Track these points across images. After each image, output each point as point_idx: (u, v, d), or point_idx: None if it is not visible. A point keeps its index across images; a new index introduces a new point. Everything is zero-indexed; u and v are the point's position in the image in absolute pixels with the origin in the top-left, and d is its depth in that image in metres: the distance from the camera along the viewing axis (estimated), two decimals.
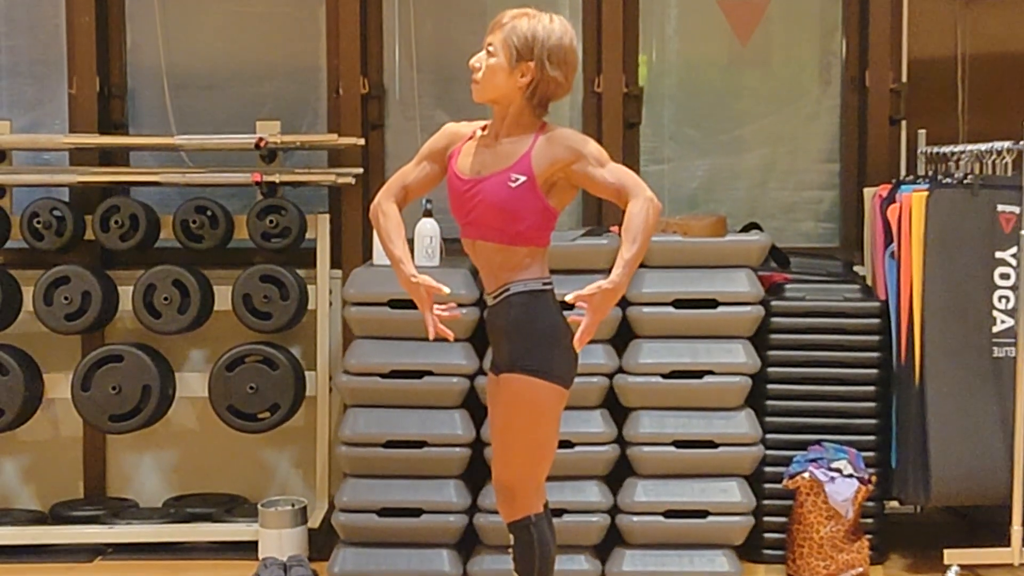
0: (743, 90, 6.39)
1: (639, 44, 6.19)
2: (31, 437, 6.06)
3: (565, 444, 5.08)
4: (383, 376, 5.29)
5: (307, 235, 5.86)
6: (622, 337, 5.38)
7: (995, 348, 5.29)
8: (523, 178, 3.88)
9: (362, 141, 5.94)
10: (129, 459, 6.17)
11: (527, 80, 3.89)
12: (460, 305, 5.13)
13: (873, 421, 5.47)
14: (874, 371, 5.47)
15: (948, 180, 5.42)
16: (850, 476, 5.26)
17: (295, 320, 5.79)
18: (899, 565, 5.51)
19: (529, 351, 3.93)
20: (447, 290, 4.05)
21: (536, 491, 4.07)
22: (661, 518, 5.26)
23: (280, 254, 5.85)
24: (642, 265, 5.36)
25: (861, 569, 5.27)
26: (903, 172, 6.08)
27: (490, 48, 3.92)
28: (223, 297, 5.77)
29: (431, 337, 4.07)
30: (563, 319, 3.96)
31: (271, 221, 5.76)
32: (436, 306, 4.09)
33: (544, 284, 3.98)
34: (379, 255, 5.45)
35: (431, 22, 6.22)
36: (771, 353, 5.45)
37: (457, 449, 5.24)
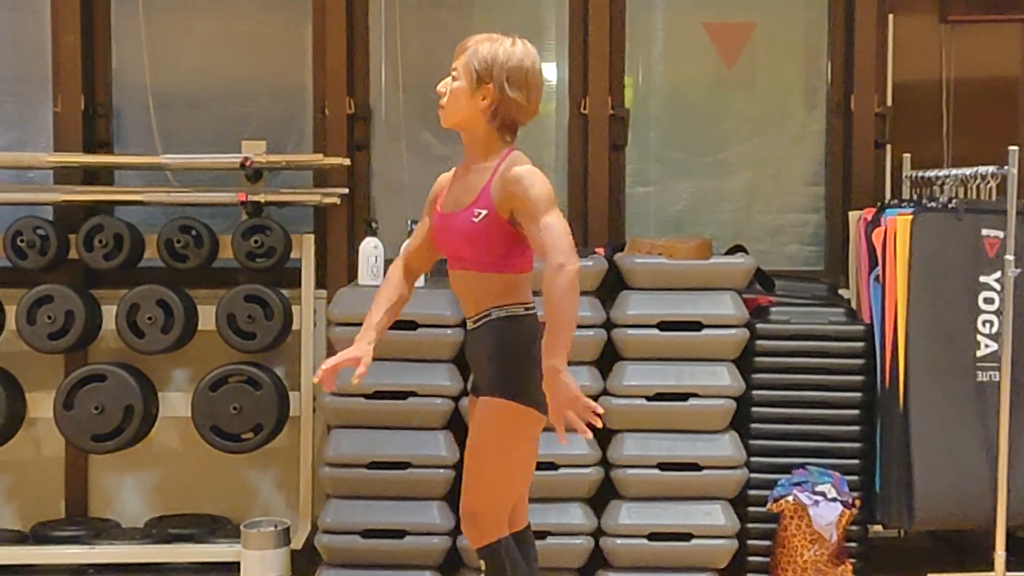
0: (728, 113, 6.40)
1: (625, 66, 6.20)
2: (13, 456, 6.03)
3: (549, 466, 5.09)
4: (367, 397, 5.28)
5: (292, 255, 5.84)
6: (607, 359, 5.38)
7: (979, 372, 5.30)
8: (484, 212, 3.88)
9: (348, 161, 5.93)
10: (111, 479, 6.15)
11: (487, 103, 3.90)
12: (444, 327, 5.16)
13: (857, 445, 5.47)
14: (858, 394, 5.47)
15: (933, 204, 5.44)
16: (834, 500, 5.26)
17: (279, 340, 5.77)
18: None
19: (507, 374, 3.92)
20: (357, 381, 4.01)
21: (504, 514, 4.02)
22: (645, 541, 5.25)
23: (265, 274, 5.83)
24: (627, 287, 5.39)
25: None
26: (888, 196, 6.09)
27: (454, 72, 3.95)
28: (207, 317, 5.76)
29: (317, 379, 4.05)
30: None
31: (256, 241, 5.75)
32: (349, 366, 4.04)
33: (526, 309, 3.96)
34: (364, 276, 5.46)
35: (417, 43, 6.22)
36: (756, 376, 5.45)
37: (441, 471, 5.23)
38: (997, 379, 5.25)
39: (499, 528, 3.99)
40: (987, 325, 5.31)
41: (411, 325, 5.25)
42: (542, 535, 5.00)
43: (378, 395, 5.28)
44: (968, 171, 5.44)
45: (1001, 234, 5.27)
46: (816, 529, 5.23)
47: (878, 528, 5.70)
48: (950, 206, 5.36)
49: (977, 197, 5.45)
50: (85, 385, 5.67)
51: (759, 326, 5.48)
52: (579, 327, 5.13)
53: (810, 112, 6.34)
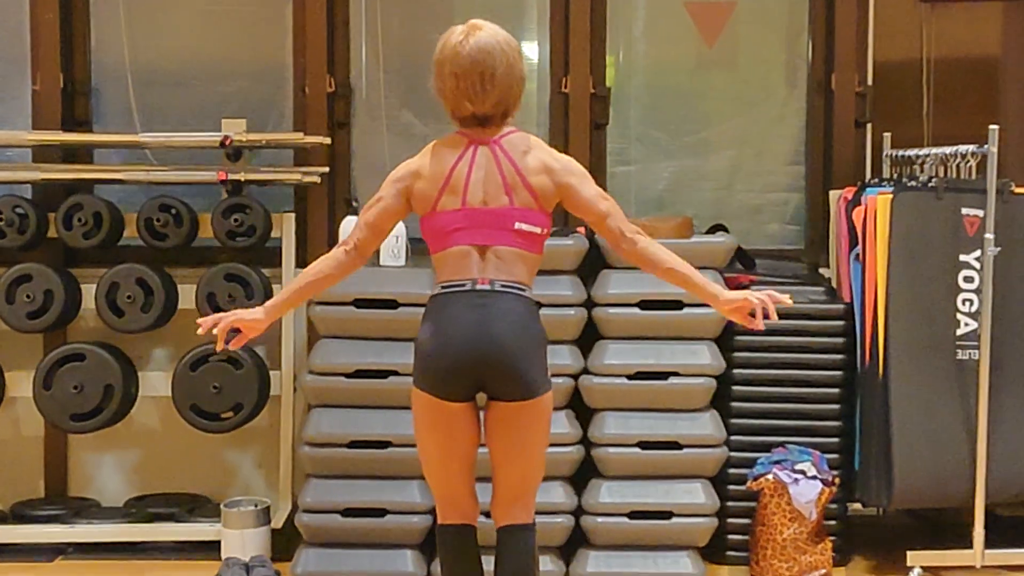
0: (710, 92, 6.40)
1: (607, 45, 6.19)
2: None
3: None
4: (347, 376, 5.28)
5: (272, 234, 5.83)
6: (587, 338, 5.38)
7: (959, 351, 5.31)
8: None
9: (328, 140, 5.92)
10: (91, 458, 6.14)
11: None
12: (423, 306, 5.11)
13: (837, 423, 5.49)
14: (838, 373, 5.48)
15: (913, 183, 5.44)
16: (814, 478, 5.27)
17: None
18: (862, 567, 5.52)
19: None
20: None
21: None
22: (625, 519, 5.26)
23: (245, 253, 5.82)
24: (608, 266, 5.39)
25: (824, 571, 5.28)
26: (868, 175, 6.09)
27: None
28: (187, 296, 5.74)
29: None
30: None
31: (236, 220, 5.74)
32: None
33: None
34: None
35: (398, 21, 6.21)
36: (736, 355, 5.46)
37: None
38: (977, 358, 5.26)
39: None
40: (967, 304, 5.31)
41: (391, 304, 5.25)
42: None
43: (358, 374, 5.27)
44: (948, 150, 5.44)
45: (981, 213, 5.27)
46: (796, 507, 5.24)
47: (857, 506, 5.72)
48: (930, 185, 5.36)
49: (957, 176, 5.45)
50: (64, 364, 5.66)
51: None
52: (559, 306, 5.19)
53: (791, 91, 6.34)
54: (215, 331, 4.04)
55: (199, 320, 4.07)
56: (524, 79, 3.99)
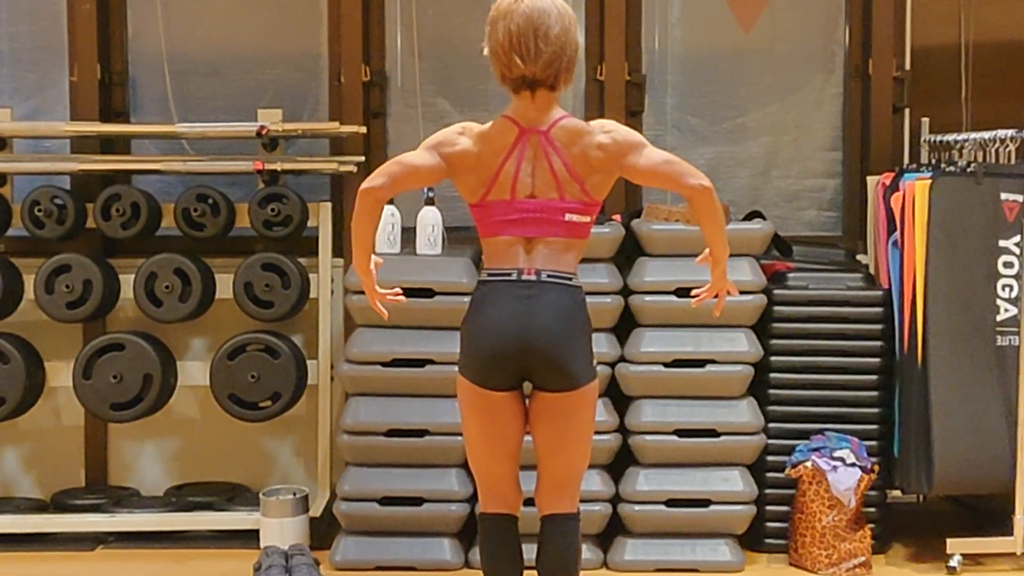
0: (746, 78, 6.36)
1: (642, 32, 6.17)
2: (33, 426, 6.06)
3: None
4: (384, 365, 5.29)
5: (309, 223, 5.84)
6: (624, 325, 5.37)
7: (998, 337, 5.28)
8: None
9: (364, 129, 5.92)
10: (130, 448, 6.17)
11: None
12: (460, 294, 5.11)
13: (876, 410, 5.46)
14: (877, 360, 5.46)
15: (951, 168, 5.41)
16: (852, 465, 5.25)
17: (297, 309, 5.78)
18: (901, 554, 5.50)
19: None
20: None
21: None
22: (663, 507, 5.26)
23: (282, 242, 5.84)
24: (644, 254, 5.38)
25: (863, 558, 5.26)
26: (906, 160, 6.06)
27: None
28: (224, 285, 5.76)
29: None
30: None
31: (272, 209, 5.75)
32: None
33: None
34: (381, 243, 5.43)
35: (433, 9, 6.20)
36: (773, 342, 5.44)
37: (459, 438, 5.16)
38: (1017, 343, 5.23)
39: None
40: (1006, 289, 5.28)
41: (428, 293, 5.25)
42: None
43: (396, 363, 5.28)
44: (987, 135, 5.41)
45: (1020, 198, 5.24)
46: (834, 495, 5.22)
47: (897, 493, 5.70)
48: (969, 170, 5.33)
49: (996, 161, 5.42)
50: (104, 354, 5.69)
51: (777, 292, 5.46)
52: (596, 294, 5.18)
53: (828, 77, 6.31)
54: (379, 308, 4.14)
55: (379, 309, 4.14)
56: (578, 48, 3.89)
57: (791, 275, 5.58)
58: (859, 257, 5.98)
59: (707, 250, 4.07)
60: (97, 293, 5.69)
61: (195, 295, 5.70)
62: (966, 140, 5.54)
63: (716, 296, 4.12)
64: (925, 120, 5.96)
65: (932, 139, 5.84)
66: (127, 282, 5.75)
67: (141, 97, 6.24)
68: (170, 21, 6.17)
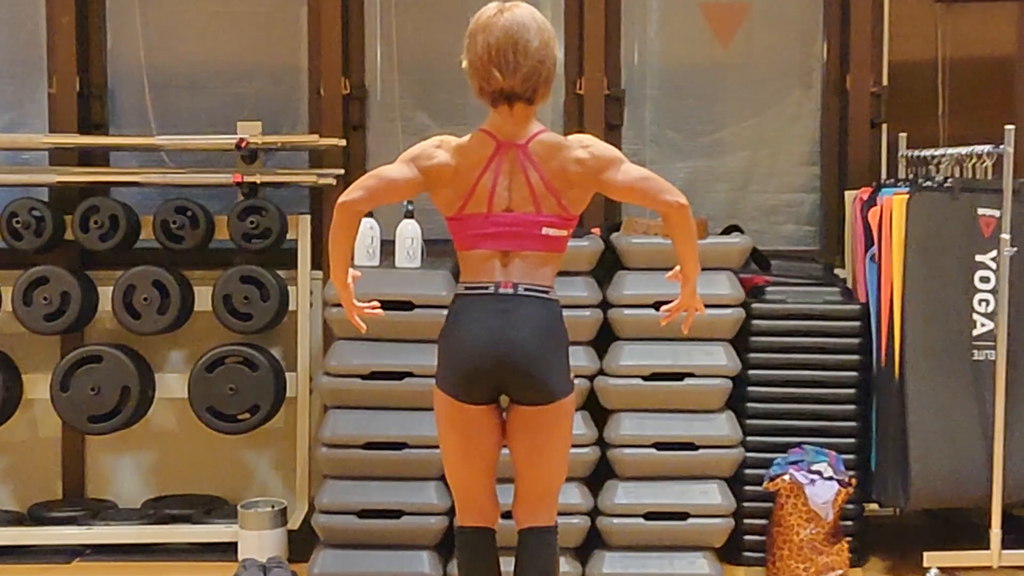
0: (724, 93, 6.38)
1: (621, 46, 6.19)
2: (10, 438, 6.04)
3: None
4: (363, 377, 5.29)
5: (288, 236, 5.84)
6: (603, 339, 5.38)
7: (975, 351, 5.30)
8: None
9: (343, 142, 5.92)
10: (108, 460, 6.15)
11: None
12: (439, 307, 5.08)
13: (853, 424, 5.48)
14: (854, 374, 5.47)
15: (928, 183, 5.43)
16: (830, 478, 5.26)
17: (276, 321, 5.78)
18: (879, 568, 5.52)
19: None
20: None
21: None
22: (641, 520, 5.26)
23: (261, 255, 5.83)
24: (623, 267, 5.40)
25: (841, 571, 5.27)
26: (884, 175, 6.08)
27: None
28: (203, 298, 5.76)
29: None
30: None
31: (252, 222, 5.75)
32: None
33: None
34: (360, 256, 5.44)
35: (413, 23, 6.21)
36: (752, 355, 5.46)
37: (437, 450, 5.19)
38: (993, 358, 5.25)
39: None
40: (983, 304, 5.31)
41: (407, 305, 5.25)
42: None
43: (374, 375, 5.28)
44: (964, 150, 5.44)
45: (997, 213, 5.27)
46: (812, 508, 5.24)
47: (874, 507, 5.71)
48: (946, 185, 5.36)
49: (973, 176, 5.44)
50: (81, 366, 5.68)
51: (755, 306, 5.48)
52: (574, 307, 5.19)
53: (806, 92, 6.33)
54: (356, 321, 4.15)
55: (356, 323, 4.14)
56: (556, 62, 3.90)
57: (769, 289, 5.60)
58: (837, 271, 6.00)
59: (678, 267, 4.07)
60: (75, 305, 5.68)
61: (174, 307, 5.69)
62: (943, 155, 5.57)
63: (686, 312, 4.13)
64: (902, 135, 5.99)
65: (909, 154, 5.87)
66: (105, 294, 5.74)
67: (120, 109, 6.23)
68: (149, 34, 6.17)
